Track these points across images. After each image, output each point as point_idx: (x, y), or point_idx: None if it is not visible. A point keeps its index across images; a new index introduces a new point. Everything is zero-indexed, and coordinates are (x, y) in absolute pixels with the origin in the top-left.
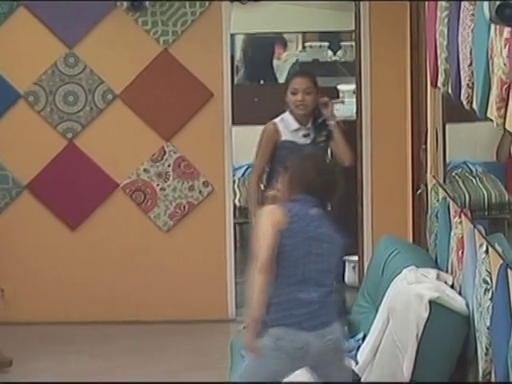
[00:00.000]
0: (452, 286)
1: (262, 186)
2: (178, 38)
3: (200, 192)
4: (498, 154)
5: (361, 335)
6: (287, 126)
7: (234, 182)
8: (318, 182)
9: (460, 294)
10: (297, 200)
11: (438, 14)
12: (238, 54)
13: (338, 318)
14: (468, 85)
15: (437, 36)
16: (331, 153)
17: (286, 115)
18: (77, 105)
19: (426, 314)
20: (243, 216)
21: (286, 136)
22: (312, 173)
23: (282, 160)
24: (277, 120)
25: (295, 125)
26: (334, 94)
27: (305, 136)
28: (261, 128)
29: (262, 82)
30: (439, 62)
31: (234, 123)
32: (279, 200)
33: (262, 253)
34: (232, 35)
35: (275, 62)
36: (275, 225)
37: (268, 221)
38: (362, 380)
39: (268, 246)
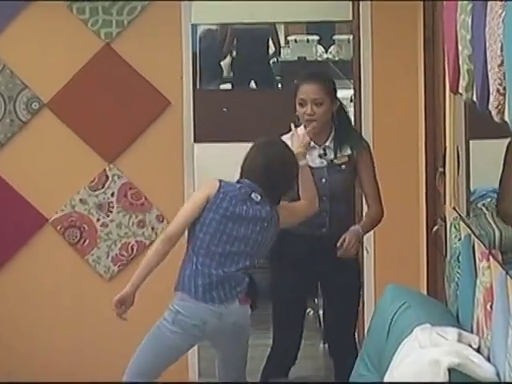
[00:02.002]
0: (478, 350)
1: None
2: (124, 29)
3: (153, 229)
4: None
5: None
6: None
7: None
8: (264, 171)
9: (488, 359)
10: (239, 181)
11: None
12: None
13: (244, 300)
14: (498, 90)
15: (457, 28)
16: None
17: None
18: None
19: None
20: None
21: None
22: (257, 160)
23: None
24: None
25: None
26: None
27: (320, 156)
28: (231, 146)
29: (254, 85)
30: (460, 61)
31: (196, 140)
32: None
33: (174, 221)
34: (194, 26)
35: None
36: (201, 199)
37: (198, 193)
38: None
39: (182, 218)
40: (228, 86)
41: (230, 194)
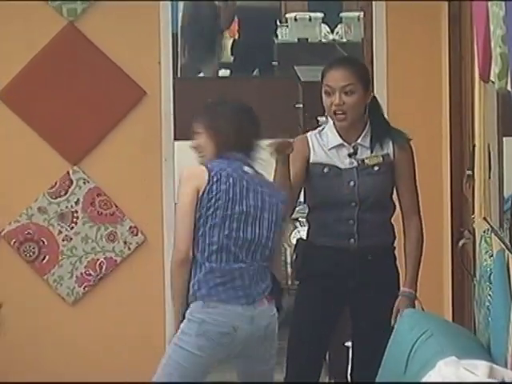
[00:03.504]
0: None
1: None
2: (90, 6)
3: (125, 243)
4: None
5: None
6: (323, 141)
7: None
8: (253, 139)
9: None
10: (225, 157)
11: None
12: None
13: (271, 299)
14: None
15: (488, 4)
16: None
17: (328, 126)
18: None
19: None
20: None
21: (317, 156)
22: (247, 128)
23: (309, 190)
24: (312, 132)
25: (335, 140)
26: None
27: (350, 156)
28: None
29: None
30: (492, 44)
31: (176, 137)
32: (202, 159)
33: (177, 238)
34: (174, 2)
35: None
36: (190, 195)
37: (185, 190)
38: None
39: (183, 230)
40: (226, 72)
41: (223, 174)
